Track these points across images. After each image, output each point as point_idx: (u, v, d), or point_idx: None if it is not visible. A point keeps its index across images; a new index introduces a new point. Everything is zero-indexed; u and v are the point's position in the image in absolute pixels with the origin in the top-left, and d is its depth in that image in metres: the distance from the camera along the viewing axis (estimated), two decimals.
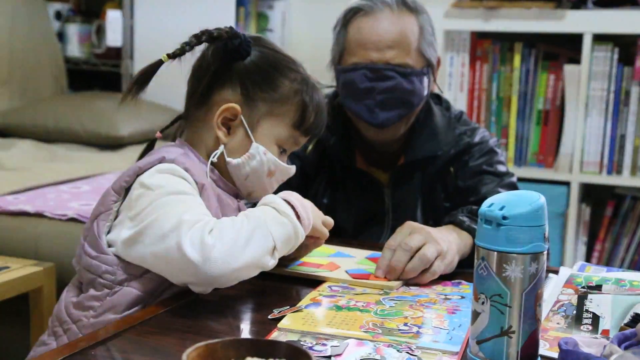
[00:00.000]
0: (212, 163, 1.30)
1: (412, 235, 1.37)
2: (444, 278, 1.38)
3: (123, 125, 3.14)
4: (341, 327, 1.12)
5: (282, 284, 1.33)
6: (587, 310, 1.15)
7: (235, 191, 1.34)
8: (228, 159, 1.30)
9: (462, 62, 3.03)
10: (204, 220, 1.16)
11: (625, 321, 1.11)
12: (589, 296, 1.17)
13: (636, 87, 2.82)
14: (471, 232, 1.46)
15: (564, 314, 1.16)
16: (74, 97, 3.56)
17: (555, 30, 2.87)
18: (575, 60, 2.87)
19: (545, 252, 0.98)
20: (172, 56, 1.27)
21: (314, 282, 1.33)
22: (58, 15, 3.80)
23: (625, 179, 2.87)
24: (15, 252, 2.12)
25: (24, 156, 2.99)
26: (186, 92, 1.35)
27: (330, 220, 1.34)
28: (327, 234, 1.34)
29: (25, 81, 3.50)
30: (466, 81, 3.03)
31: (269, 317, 1.16)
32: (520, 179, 1.98)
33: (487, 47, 3.01)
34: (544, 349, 1.05)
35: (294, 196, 1.26)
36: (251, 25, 3.45)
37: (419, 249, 1.34)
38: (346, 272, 1.38)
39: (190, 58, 1.31)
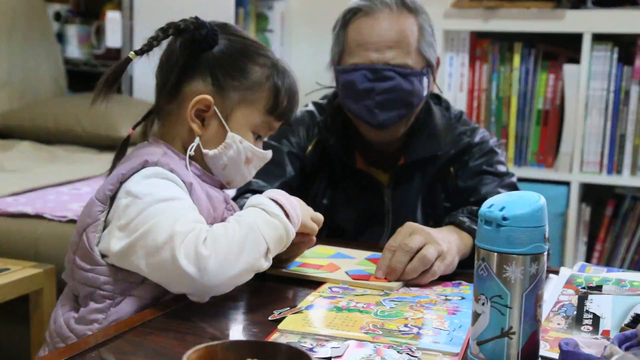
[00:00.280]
0: (189, 157, 1.28)
1: (412, 236, 1.37)
2: (444, 279, 1.37)
3: (123, 126, 3.13)
4: (341, 329, 1.11)
5: (282, 286, 1.33)
6: (587, 311, 1.15)
7: (220, 182, 1.33)
8: (205, 151, 1.28)
9: (462, 62, 3.02)
10: (196, 229, 1.15)
11: (626, 322, 1.10)
12: (590, 297, 1.17)
13: (636, 87, 2.82)
14: (471, 232, 1.46)
15: (564, 314, 1.16)
16: (74, 98, 3.55)
17: (554, 30, 2.87)
18: (575, 60, 2.87)
19: (546, 253, 0.97)
20: (140, 52, 1.25)
21: (314, 283, 1.33)
22: (57, 16, 3.80)
23: (625, 179, 2.86)
24: (15, 254, 2.11)
25: (23, 157, 2.99)
26: (155, 86, 1.32)
27: (319, 216, 1.34)
28: (317, 229, 1.33)
29: (25, 82, 3.50)
30: (466, 81, 3.03)
31: (269, 318, 1.15)
32: (520, 179, 1.98)
33: (486, 47, 3.01)
34: (544, 350, 1.05)
35: (281, 194, 1.25)
36: (250, 25, 3.45)
37: (419, 249, 1.34)
38: (346, 273, 1.38)
39: (159, 53, 1.29)
